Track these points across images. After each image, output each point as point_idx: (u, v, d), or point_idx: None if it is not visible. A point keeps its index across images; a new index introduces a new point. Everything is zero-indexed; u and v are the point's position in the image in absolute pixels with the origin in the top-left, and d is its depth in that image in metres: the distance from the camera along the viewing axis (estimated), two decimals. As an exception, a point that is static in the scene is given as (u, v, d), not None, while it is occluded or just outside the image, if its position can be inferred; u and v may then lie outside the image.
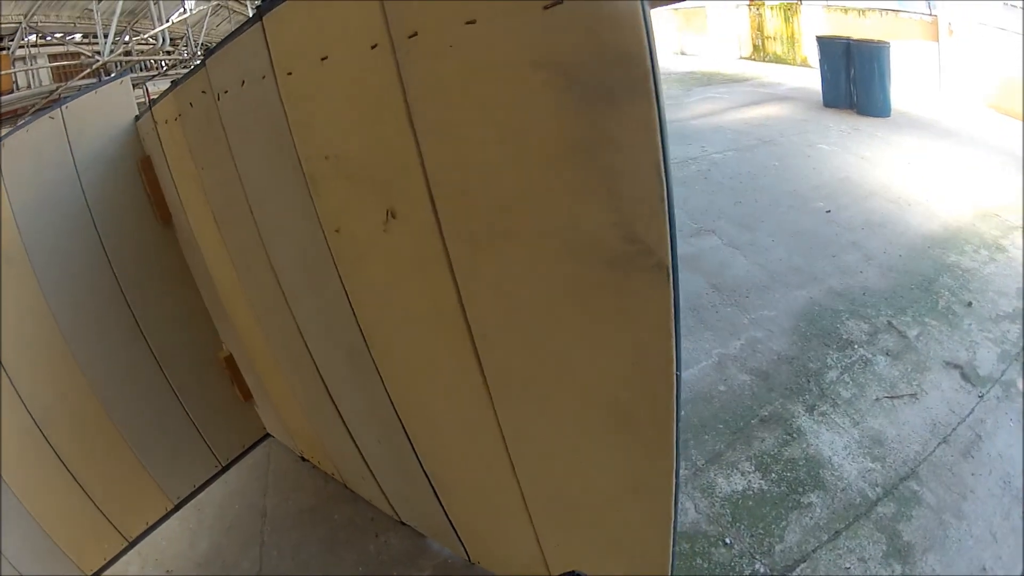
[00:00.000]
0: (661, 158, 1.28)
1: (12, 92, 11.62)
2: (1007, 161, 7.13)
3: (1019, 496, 3.09)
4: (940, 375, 3.93)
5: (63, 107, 3.25)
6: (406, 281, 1.93)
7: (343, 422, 2.94)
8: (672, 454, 1.59)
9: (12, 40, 11.62)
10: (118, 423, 3.46)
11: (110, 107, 3.42)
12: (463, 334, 1.81)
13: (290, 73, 1.97)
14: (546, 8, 1.26)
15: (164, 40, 13.88)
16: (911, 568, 2.77)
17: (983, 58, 9.15)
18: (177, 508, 3.74)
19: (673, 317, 1.41)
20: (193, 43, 15.88)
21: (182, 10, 12.17)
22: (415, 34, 1.49)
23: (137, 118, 3.45)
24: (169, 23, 13.56)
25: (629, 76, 1.24)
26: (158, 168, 3.40)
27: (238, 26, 2.33)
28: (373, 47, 1.60)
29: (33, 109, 11.19)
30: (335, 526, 3.45)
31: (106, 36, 11.25)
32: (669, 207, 1.31)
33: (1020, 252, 5.27)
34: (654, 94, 1.24)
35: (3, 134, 3.27)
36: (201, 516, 3.76)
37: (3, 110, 10.72)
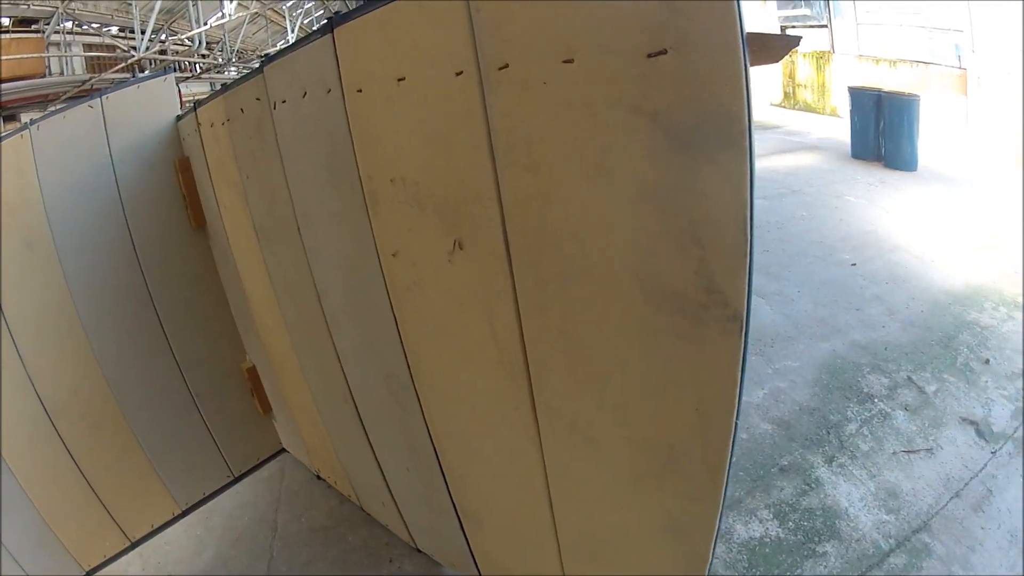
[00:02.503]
0: (748, 214, 1.29)
1: (44, 76, 11.75)
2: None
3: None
4: (956, 431, 3.98)
5: (103, 97, 3.26)
6: (466, 312, 1.92)
7: (371, 447, 2.92)
8: (720, 499, 1.59)
9: (48, 24, 11.72)
10: (132, 422, 3.45)
11: (151, 102, 3.43)
12: (520, 370, 1.81)
13: (360, 90, 1.97)
14: (649, 56, 1.28)
15: (200, 43, 14.08)
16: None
17: (1010, 111, 9.25)
18: (185, 514, 3.71)
19: (741, 368, 1.42)
20: (229, 48, 16.10)
21: (220, 14, 12.33)
22: (506, 66, 1.51)
23: (179, 118, 3.45)
24: (207, 26, 13.76)
25: (726, 131, 1.25)
26: (197, 171, 3.40)
27: (304, 35, 2.34)
28: (458, 74, 1.61)
29: (65, 96, 11.30)
30: (348, 548, 3.41)
31: (143, 32, 11.36)
32: (750, 261, 1.33)
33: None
34: (748, 152, 1.26)
35: (35, 118, 3.29)
36: (209, 525, 3.72)
37: (33, 94, 10.82)
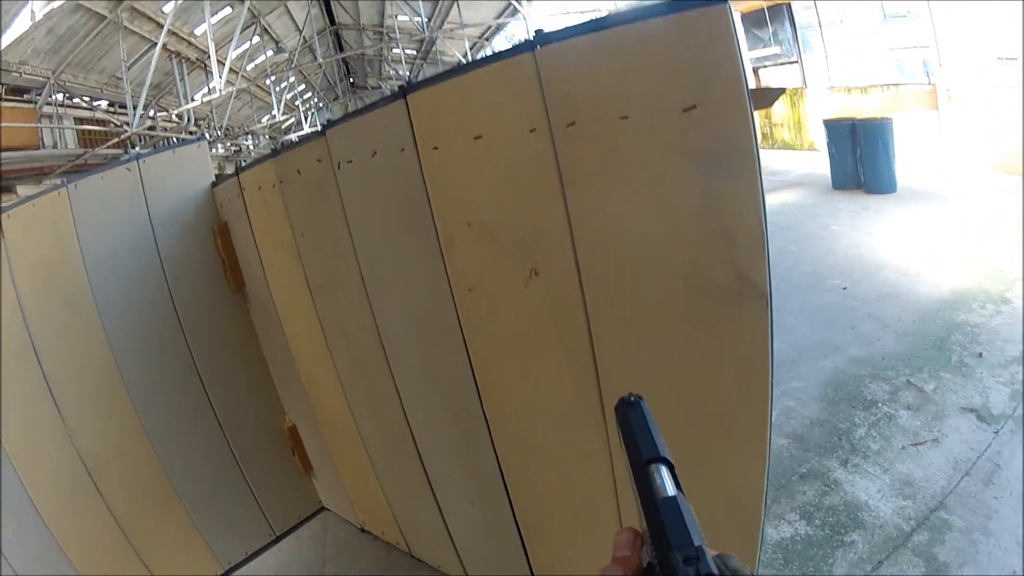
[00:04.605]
0: (763, 216, 2.06)
1: (38, 148, 12.42)
2: (1007, 217, 8.52)
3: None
4: (958, 420, 4.78)
5: (141, 160, 3.78)
6: (538, 327, 2.58)
7: (429, 485, 3.47)
8: (765, 462, 2.26)
9: (39, 95, 12.46)
10: (175, 482, 3.88)
11: (187, 168, 4.00)
12: (589, 366, 2.47)
13: (436, 147, 2.66)
14: (684, 111, 2.06)
15: (189, 119, 14.97)
16: (950, 581, 3.44)
17: (982, 119, 10.68)
18: (227, 573, 4.15)
19: (770, 336, 2.15)
20: (216, 125, 16.93)
21: (206, 90, 13.20)
22: (573, 123, 2.26)
23: (214, 184, 4.06)
24: (195, 102, 14.72)
25: (741, 159, 2.02)
26: (236, 234, 4.00)
27: (371, 103, 3.01)
28: (532, 131, 2.34)
29: (60, 170, 11.91)
30: (400, 592, 3.92)
31: (134, 108, 12.15)
32: (767, 252, 2.08)
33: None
34: (758, 172, 2.03)
35: (68, 180, 3.66)
36: (257, 583, 4.21)
37: (29, 166, 11.31)
